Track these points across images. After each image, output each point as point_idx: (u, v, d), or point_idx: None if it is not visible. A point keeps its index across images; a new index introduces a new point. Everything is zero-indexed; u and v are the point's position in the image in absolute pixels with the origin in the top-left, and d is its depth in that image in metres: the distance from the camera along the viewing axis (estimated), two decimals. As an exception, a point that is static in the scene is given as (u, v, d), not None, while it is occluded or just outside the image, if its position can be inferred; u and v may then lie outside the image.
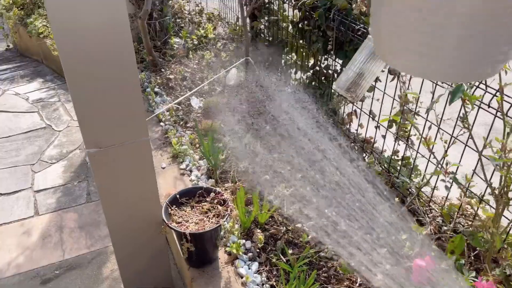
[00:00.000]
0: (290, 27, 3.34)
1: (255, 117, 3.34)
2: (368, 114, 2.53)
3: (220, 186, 2.58)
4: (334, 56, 2.69)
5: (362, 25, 2.38)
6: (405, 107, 2.42)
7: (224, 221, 1.99)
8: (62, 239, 2.65)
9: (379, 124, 2.49)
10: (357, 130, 2.68)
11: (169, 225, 1.92)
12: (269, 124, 3.20)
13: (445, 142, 2.04)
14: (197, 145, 3.08)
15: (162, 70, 4.07)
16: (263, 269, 2.11)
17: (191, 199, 2.15)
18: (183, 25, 4.89)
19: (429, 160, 2.15)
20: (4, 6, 5.89)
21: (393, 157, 2.52)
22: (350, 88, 2.11)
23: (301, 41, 3.21)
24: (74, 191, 3.04)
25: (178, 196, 2.12)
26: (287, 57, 3.44)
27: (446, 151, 2.01)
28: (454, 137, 1.96)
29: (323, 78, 3.02)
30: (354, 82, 2.11)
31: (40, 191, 3.05)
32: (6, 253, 2.54)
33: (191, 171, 2.83)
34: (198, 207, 2.11)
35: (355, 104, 2.62)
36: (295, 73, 3.46)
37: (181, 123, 3.34)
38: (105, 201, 1.76)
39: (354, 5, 2.48)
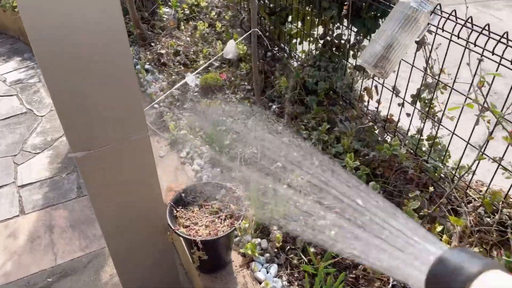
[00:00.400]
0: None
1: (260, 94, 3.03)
2: (392, 89, 2.24)
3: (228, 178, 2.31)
4: (350, 24, 2.36)
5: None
6: (433, 80, 2.14)
7: (239, 224, 1.72)
8: (53, 241, 2.38)
9: (404, 101, 2.21)
10: (377, 108, 2.40)
11: (177, 231, 1.65)
12: (276, 103, 2.89)
13: (488, 122, 1.77)
14: (197, 129, 2.78)
15: (152, 44, 3.70)
16: (284, 272, 1.87)
17: (198, 196, 1.87)
18: (171, -8, 4.45)
19: (468, 143, 1.90)
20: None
21: (417, 136, 2.25)
22: (378, 63, 1.81)
23: (307, 8, 2.86)
24: (63, 185, 2.75)
25: (183, 194, 1.84)
26: (292, 26, 3.09)
27: (490, 134, 1.75)
28: (501, 116, 1.69)
29: (334, 49, 2.70)
30: (382, 56, 1.81)
31: (25, 186, 2.75)
32: (-9, 260, 2.27)
33: (192, 159, 2.54)
34: (207, 207, 1.84)
35: (375, 78, 2.33)
36: (300, 43, 3.12)
37: (178, 104, 3.02)
38: (100, 210, 1.47)
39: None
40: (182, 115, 2.92)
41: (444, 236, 1.85)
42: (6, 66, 4.20)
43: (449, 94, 1.98)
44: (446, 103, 1.99)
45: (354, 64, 2.53)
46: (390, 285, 1.79)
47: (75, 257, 2.29)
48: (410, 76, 2.07)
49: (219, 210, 1.82)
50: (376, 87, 2.33)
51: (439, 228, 1.86)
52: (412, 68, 2.04)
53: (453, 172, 2.00)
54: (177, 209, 1.79)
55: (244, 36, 2.14)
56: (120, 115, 1.29)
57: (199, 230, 1.72)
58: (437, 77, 2.12)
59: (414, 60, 2.02)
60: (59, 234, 2.42)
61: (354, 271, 1.88)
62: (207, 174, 2.38)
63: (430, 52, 2.02)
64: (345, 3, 2.34)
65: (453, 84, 1.97)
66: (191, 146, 2.63)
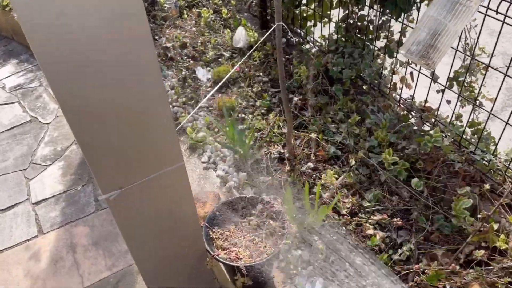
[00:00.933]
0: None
1: (276, 86, 2.84)
2: (430, 76, 2.05)
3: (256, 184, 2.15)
4: (378, 6, 2.15)
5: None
6: (473, 61, 1.95)
7: (283, 243, 1.58)
8: (77, 262, 2.25)
9: (446, 87, 2.02)
10: (412, 96, 2.21)
11: (216, 257, 1.51)
12: (297, 94, 2.70)
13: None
14: (216, 130, 2.61)
15: (156, 37, 3.47)
16: (330, 286, 1.74)
17: (233, 213, 1.73)
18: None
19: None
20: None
21: (456, 122, 2.08)
22: (424, 53, 1.62)
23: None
24: (79, 199, 2.60)
25: (217, 213, 1.69)
26: (308, 8, 2.86)
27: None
28: None
29: (357, 31, 2.49)
30: (428, 45, 1.61)
31: (40, 203, 2.60)
32: (16, 287, 2.15)
33: (215, 163, 2.38)
34: (243, 223, 1.69)
35: (411, 64, 2.13)
36: (314, 25, 2.90)
37: (191, 102, 2.84)
38: (133, 246, 1.33)
39: None
40: (198, 115, 2.74)
41: (502, 236, 1.71)
42: (3, 71, 3.99)
43: (485, 74, 1.80)
44: (481, 84, 1.81)
45: (382, 49, 2.33)
46: (447, 293, 1.67)
47: (102, 277, 2.17)
48: (454, 60, 1.88)
49: (257, 226, 1.67)
50: (411, 73, 2.14)
51: (495, 226, 1.72)
52: (455, 53, 1.85)
53: (507, 164, 1.84)
54: (213, 230, 1.64)
55: (268, 32, 1.93)
56: (153, 147, 1.13)
57: (239, 252, 1.58)
58: (477, 59, 1.94)
59: (458, 43, 1.83)
60: (83, 253, 2.29)
61: (405, 279, 1.75)
62: (234, 179, 2.23)
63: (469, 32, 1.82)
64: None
65: (489, 62, 1.78)
66: (212, 149, 2.46)
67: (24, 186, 2.73)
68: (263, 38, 2.08)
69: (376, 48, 2.37)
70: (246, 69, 3.04)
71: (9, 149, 3.03)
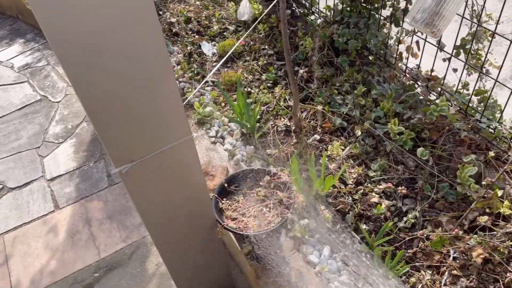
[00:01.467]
0: None
1: (282, 58, 2.83)
2: (437, 45, 2.03)
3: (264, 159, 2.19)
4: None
5: None
6: (479, 28, 1.93)
7: (291, 212, 1.63)
8: (93, 234, 2.34)
9: (452, 55, 2.01)
10: (418, 65, 2.20)
11: (226, 226, 1.57)
12: (302, 67, 2.70)
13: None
14: (223, 104, 2.63)
15: (160, 12, 3.45)
16: (337, 253, 1.80)
17: (242, 184, 1.78)
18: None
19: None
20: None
21: (463, 91, 2.07)
22: (429, 20, 1.61)
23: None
24: (92, 174, 2.68)
25: (226, 184, 1.74)
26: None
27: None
28: None
29: (362, 1, 2.45)
30: (434, 13, 1.60)
31: (55, 179, 2.69)
32: (35, 259, 2.25)
33: (223, 137, 2.42)
34: (252, 195, 1.74)
35: (417, 33, 2.11)
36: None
37: (198, 77, 2.85)
38: (147, 217, 1.38)
39: None
40: (205, 90, 2.76)
41: (506, 202, 1.74)
42: (11, 50, 4.02)
43: (491, 41, 1.79)
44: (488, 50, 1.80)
45: (388, 18, 2.30)
46: (451, 257, 1.72)
47: (117, 249, 2.26)
48: (460, 27, 1.86)
49: (265, 197, 1.72)
50: (417, 42, 2.13)
51: (499, 193, 1.74)
52: (462, 20, 1.83)
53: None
54: (222, 201, 1.70)
55: (272, 4, 1.92)
56: (161, 121, 1.16)
57: (248, 222, 1.64)
58: (483, 25, 1.91)
59: (465, 10, 1.80)
60: (98, 226, 2.38)
61: (411, 246, 1.80)
62: (241, 153, 2.27)
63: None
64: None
65: (495, 28, 1.76)
66: (219, 123, 2.50)
67: (39, 163, 2.81)
68: (268, 10, 2.07)
69: (382, 17, 2.34)
70: (251, 43, 3.03)
71: (22, 128, 3.10)
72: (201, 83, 1.82)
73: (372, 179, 1.95)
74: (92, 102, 1.04)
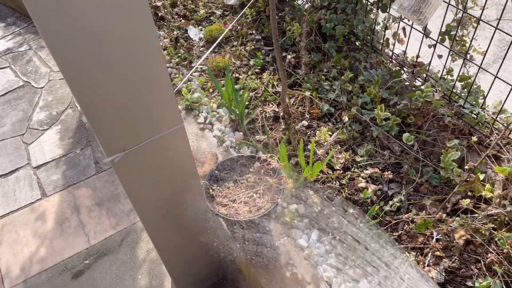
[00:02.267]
0: None
1: (269, 44, 2.83)
2: (422, 31, 2.06)
3: (252, 140, 2.21)
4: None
5: None
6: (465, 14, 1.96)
7: (280, 198, 1.66)
8: (82, 222, 2.34)
9: (437, 42, 2.04)
10: (404, 51, 2.23)
11: (217, 213, 1.59)
12: (290, 52, 2.70)
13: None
14: (211, 90, 2.62)
15: (145, -4, 3.39)
16: (326, 236, 1.85)
17: (232, 171, 1.79)
18: None
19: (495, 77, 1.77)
20: None
21: (447, 77, 2.12)
22: (416, 8, 1.62)
23: None
24: (79, 162, 2.66)
25: (216, 171, 1.76)
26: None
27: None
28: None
29: (349, -14, 2.45)
30: (421, 0, 1.62)
31: (40, 167, 2.66)
32: (24, 247, 2.25)
33: (211, 124, 2.43)
34: (242, 181, 1.76)
35: (403, 20, 2.13)
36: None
37: (185, 63, 2.83)
38: (139, 205, 1.40)
39: None
40: (192, 76, 2.74)
41: (487, 185, 1.80)
42: (-9, 35, 3.91)
43: (476, 27, 1.82)
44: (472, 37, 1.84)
45: (375, 3, 2.31)
46: (434, 239, 1.78)
47: (107, 236, 2.27)
48: (446, 14, 1.88)
49: (255, 183, 1.75)
50: (404, 28, 2.15)
51: (481, 177, 1.80)
52: (448, 6, 1.85)
53: (494, 117, 1.90)
54: (213, 188, 1.71)
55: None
56: (153, 109, 1.16)
57: (238, 208, 1.66)
58: (468, 12, 1.94)
59: (450, -2, 1.82)
60: (87, 214, 2.38)
61: (396, 229, 1.86)
62: (230, 139, 2.28)
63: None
64: None
65: (481, 15, 1.79)
66: (208, 110, 2.49)
67: (24, 151, 2.77)
68: (255, -5, 2.05)
69: (369, 3, 2.35)
70: (239, 27, 3.01)
71: (5, 115, 3.04)
72: (192, 70, 1.82)
73: (359, 164, 2.00)
74: (83, 91, 1.04)
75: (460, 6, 1.96)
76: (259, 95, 2.51)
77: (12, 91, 3.23)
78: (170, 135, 1.26)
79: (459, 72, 2.02)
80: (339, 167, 1.99)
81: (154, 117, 1.20)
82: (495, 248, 1.61)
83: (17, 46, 3.69)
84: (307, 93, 2.35)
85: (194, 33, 3.08)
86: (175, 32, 3.04)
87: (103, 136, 1.13)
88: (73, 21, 0.93)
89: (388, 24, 2.24)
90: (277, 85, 2.53)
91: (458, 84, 2.09)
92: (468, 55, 2.01)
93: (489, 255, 1.60)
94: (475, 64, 1.92)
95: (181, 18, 3.18)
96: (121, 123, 1.13)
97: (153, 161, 1.30)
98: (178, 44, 2.96)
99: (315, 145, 2.09)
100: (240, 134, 2.30)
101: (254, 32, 2.95)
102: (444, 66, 2.06)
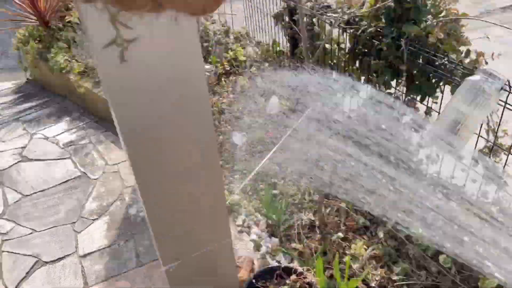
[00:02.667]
0: (338, 50, 3.02)
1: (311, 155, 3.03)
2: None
3: (289, 250, 2.29)
4: (405, 89, 2.36)
5: (444, 57, 2.05)
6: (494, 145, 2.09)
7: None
8: (118, 316, 2.40)
9: (469, 167, 2.15)
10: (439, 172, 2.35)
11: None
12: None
13: None
14: (250, 193, 2.79)
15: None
16: None
17: (269, 281, 1.86)
18: (210, 48, 4.60)
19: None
20: (20, 40, 5.69)
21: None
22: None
23: (353, 67, 2.88)
24: (122, 254, 2.80)
25: (253, 280, 1.84)
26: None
27: None
28: None
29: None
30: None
31: (86, 256, 2.81)
32: (60, 338, 2.31)
33: (249, 227, 2.55)
34: (278, 292, 1.82)
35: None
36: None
37: (227, 166, 3.06)
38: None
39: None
40: (233, 178, 2.95)
41: None
42: (58, 127, 4.40)
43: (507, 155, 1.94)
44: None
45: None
46: None
47: (141, 333, 2.30)
48: (477, 140, 2.03)
49: (290, 296, 1.80)
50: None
51: None
52: (478, 137, 2.01)
53: None
54: (250, 298, 1.78)
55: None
56: (207, 224, 1.32)
57: (274, 320, 1.70)
58: (499, 142, 2.08)
59: (480, 129, 1.99)
60: (123, 308, 2.44)
61: None
62: (266, 245, 2.37)
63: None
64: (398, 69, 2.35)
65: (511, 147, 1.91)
66: (246, 213, 2.64)
67: (73, 239, 2.96)
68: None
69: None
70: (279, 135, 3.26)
71: (61, 203, 3.30)
72: (247, 179, 2.01)
73: (395, 284, 2.01)
74: (153, 206, 1.22)
75: (491, 136, 2.10)
76: (295, 201, 2.64)
77: (70, 181, 3.54)
78: (218, 248, 1.39)
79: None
80: (375, 284, 2.01)
81: (206, 230, 1.35)
82: None
83: (79, 139, 4.12)
84: (343, 205, 2.47)
85: (238, 138, 3.36)
86: (220, 137, 3.33)
87: (162, 246, 1.27)
88: (159, 149, 1.14)
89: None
90: (313, 193, 2.67)
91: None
92: (501, 180, 2.10)
93: None
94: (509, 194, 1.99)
95: (227, 125, 3.50)
96: (178, 237, 1.29)
97: (200, 271, 1.42)
98: (223, 148, 3.23)
99: (350, 258, 2.14)
100: (276, 240, 2.39)
101: (294, 141, 3.18)
102: (479, 189, 2.14)
